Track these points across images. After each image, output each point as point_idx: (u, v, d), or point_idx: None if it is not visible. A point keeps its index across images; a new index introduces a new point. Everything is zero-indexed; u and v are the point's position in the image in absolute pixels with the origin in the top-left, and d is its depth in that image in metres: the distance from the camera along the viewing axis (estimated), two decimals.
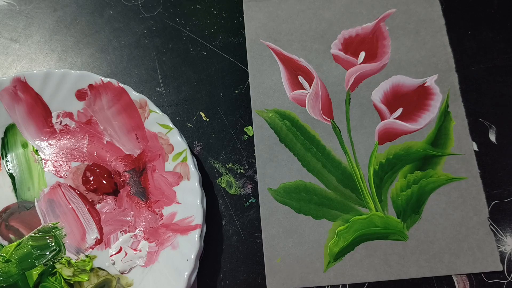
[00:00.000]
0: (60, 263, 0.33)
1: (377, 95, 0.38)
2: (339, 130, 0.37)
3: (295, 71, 0.39)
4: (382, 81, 0.39)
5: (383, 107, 0.38)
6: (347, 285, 0.34)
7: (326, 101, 0.38)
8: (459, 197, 0.36)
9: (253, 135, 0.37)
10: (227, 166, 0.37)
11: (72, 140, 0.36)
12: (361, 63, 0.39)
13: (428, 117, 0.38)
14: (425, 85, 0.39)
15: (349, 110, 0.38)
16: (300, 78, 0.38)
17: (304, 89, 0.38)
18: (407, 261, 0.34)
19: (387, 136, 0.37)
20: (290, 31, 0.40)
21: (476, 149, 0.37)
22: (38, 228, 0.34)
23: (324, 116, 0.37)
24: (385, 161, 0.36)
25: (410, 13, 0.41)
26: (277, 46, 0.40)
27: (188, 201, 0.32)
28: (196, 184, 0.32)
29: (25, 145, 0.35)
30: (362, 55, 0.39)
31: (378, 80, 0.39)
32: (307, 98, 0.38)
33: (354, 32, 0.40)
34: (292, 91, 0.38)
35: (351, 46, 0.40)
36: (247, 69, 0.39)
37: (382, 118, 0.38)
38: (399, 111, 0.38)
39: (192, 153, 0.35)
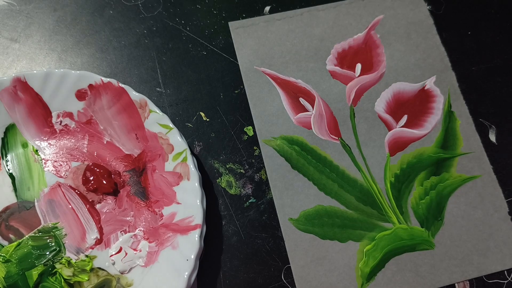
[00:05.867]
0: (60, 263, 0.33)
1: (380, 105, 0.38)
2: (349, 147, 0.37)
3: (295, 94, 0.38)
4: (383, 90, 0.38)
5: (388, 117, 0.37)
6: None
7: (331, 120, 0.37)
8: (477, 196, 0.36)
9: (253, 135, 0.37)
10: (227, 166, 0.37)
11: (72, 140, 0.36)
12: (359, 76, 0.39)
13: (434, 120, 0.38)
14: (425, 88, 0.39)
15: (355, 125, 0.37)
16: (302, 100, 0.38)
17: (307, 111, 0.38)
18: (438, 269, 0.34)
19: (397, 145, 0.37)
20: (283, 53, 0.39)
21: None
22: (38, 228, 0.34)
23: (331, 135, 0.37)
24: (400, 171, 0.36)
25: (398, 17, 0.41)
26: (272, 71, 0.39)
27: (188, 201, 0.32)
28: (196, 184, 0.32)
29: (25, 145, 0.35)
30: (359, 67, 0.39)
31: (378, 90, 0.38)
32: (312, 120, 0.37)
33: (346, 45, 0.40)
34: (296, 115, 0.37)
35: (346, 59, 0.39)
36: None
37: (389, 128, 0.37)
38: (404, 119, 0.38)
39: (192, 153, 0.35)
